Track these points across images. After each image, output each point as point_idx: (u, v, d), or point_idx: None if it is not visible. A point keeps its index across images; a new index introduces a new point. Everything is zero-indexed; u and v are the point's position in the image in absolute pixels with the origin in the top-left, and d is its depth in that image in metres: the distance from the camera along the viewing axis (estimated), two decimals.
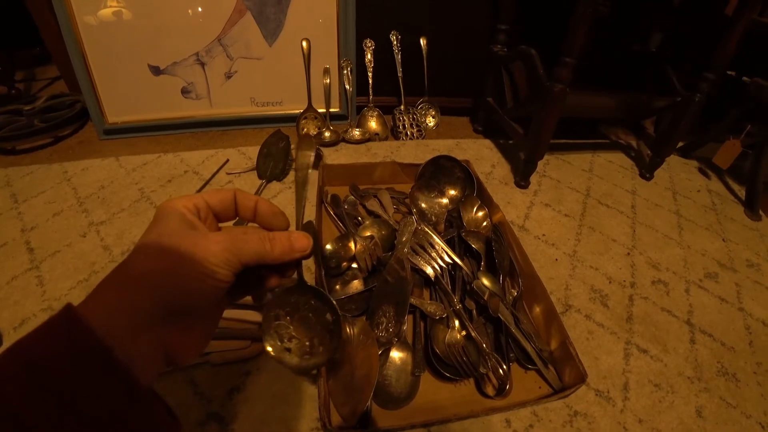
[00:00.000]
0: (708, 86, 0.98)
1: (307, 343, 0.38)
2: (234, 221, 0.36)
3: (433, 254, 0.64)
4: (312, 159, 0.40)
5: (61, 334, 0.23)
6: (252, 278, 0.34)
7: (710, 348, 0.72)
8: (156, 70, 1.03)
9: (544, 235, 0.87)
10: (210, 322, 0.33)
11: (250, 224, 0.36)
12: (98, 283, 0.26)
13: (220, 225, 0.35)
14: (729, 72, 1.16)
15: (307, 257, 0.35)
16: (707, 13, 1.20)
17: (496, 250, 0.63)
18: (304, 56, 1.05)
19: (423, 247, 0.65)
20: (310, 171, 0.39)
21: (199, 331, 0.31)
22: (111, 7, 0.93)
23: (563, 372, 0.59)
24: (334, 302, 0.38)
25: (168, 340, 0.28)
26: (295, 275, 0.37)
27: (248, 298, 0.38)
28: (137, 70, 1.01)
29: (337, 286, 0.67)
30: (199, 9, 0.98)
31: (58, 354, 0.22)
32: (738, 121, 1.13)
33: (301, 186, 0.38)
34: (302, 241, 0.34)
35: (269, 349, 0.37)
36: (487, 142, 1.18)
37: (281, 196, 0.89)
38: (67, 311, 0.23)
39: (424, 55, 1.13)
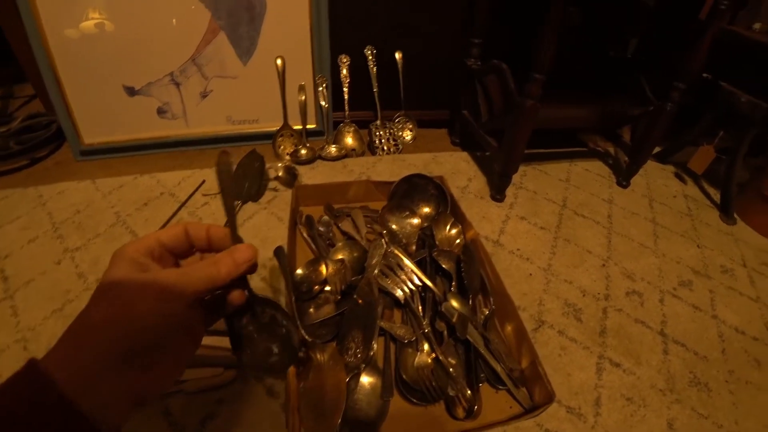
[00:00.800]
0: (679, 95, 0.99)
1: (274, 349, 0.41)
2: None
3: (403, 276, 0.64)
4: (232, 166, 0.39)
5: (24, 388, 0.24)
6: (219, 303, 0.36)
7: (683, 358, 0.72)
8: (131, 91, 1.03)
9: (518, 249, 0.88)
10: (180, 353, 0.33)
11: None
12: (61, 335, 0.27)
13: (182, 261, 0.36)
14: (705, 75, 1.17)
15: (252, 270, 0.36)
16: (681, 20, 1.22)
17: (464, 270, 0.63)
18: (279, 74, 1.05)
19: (393, 269, 0.65)
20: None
21: (168, 364, 0.31)
22: (87, 23, 0.93)
23: (534, 391, 0.59)
24: (285, 310, 0.40)
25: (133, 382, 0.28)
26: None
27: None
28: (112, 90, 1.01)
29: (311, 309, 0.67)
30: (173, 29, 0.98)
31: (22, 407, 0.23)
32: (711, 127, 1.14)
33: (227, 197, 0.38)
34: (245, 253, 0.34)
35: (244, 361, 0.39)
36: (465, 155, 1.18)
37: (257, 217, 0.89)
38: (29, 365, 0.25)
39: (400, 69, 1.13)
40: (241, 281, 0.36)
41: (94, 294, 0.29)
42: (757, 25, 1.44)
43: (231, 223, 0.36)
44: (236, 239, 0.36)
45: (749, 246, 1.02)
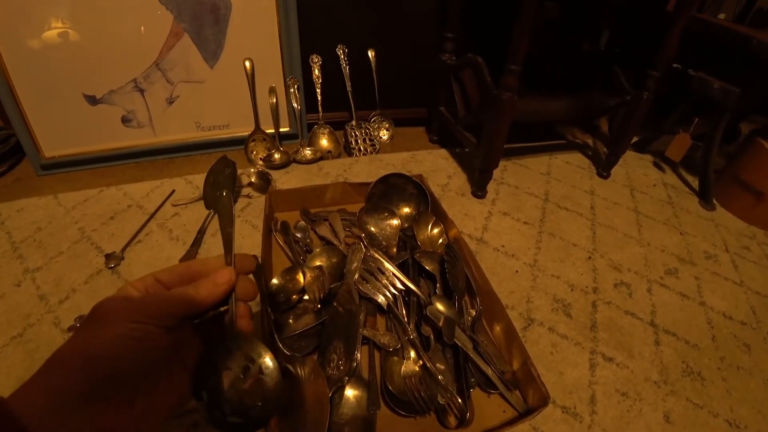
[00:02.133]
0: (655, 83, 0.99)
1: (257, 400, 0.35)
2: None
3: (384, 281, 0.61)
4: (231, 203, 0.43)
5: None
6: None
7: (674, 348, 0.71)
8: (92, 100, 0.97)
9: (503, 246, 0.85)
10: (160, 393, 0.31)
11: None
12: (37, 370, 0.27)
13: None
14: (675, 65, 1.18)
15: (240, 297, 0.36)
16: (650, 11, 1.22)
17: (449, 271, 0.61)
18: (248, 76, 1.01)
19: (373, 273, 0.62)
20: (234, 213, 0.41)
21: (143, 404, 0.29)
22: (44, 32, 0.88)
23: (527, 393, 0.57)
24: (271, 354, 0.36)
25: (103, 418, 0.27)
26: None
27: None
28: (72, 100, 0.95)
29: (290, 320, 0.63)
30: (135, 33, 0.93)
31: None
32: (686, 114, 1.15)
33: (227, 239, 0.38)
34: (223, 275, 0.34)
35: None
36: (443, 152, 1.16)
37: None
38: None
39: (374, 68, 1.10)
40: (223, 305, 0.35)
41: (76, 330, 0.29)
42: (721, 15, 1.47)
43: (227, 249, 0.37)
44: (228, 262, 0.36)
45: (729, 231, 1.02)
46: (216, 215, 0.86)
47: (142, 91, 0.99)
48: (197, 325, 0.35)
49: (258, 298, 0.66)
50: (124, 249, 0.78)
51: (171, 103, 1.02)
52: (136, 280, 0.32)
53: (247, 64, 1.01)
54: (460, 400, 0.51)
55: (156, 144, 1.04)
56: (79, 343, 0.27)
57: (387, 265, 0.63)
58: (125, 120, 1.01)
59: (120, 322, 0.28)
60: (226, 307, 0.36)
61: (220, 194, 0.44)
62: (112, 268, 0.75)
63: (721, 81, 1.02)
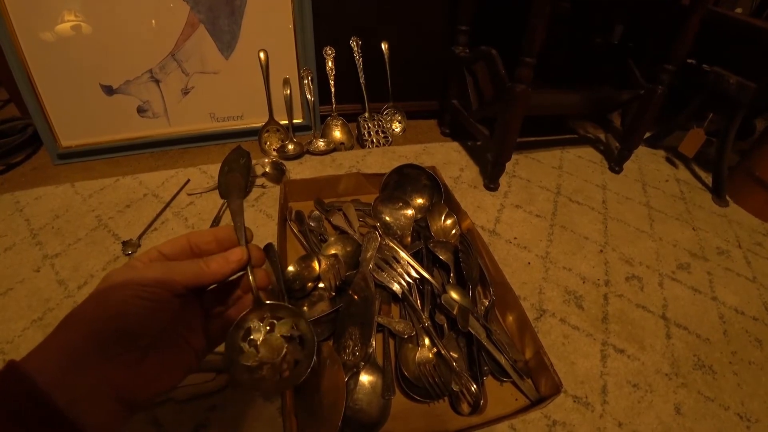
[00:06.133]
0: (669, 78, 0.99)
1: (280, 362, 0.37)
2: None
3: (399, 269, 0.62)
4: (242, 183, 0.44)
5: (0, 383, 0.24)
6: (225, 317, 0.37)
7: (686, 341, 0.71)
8: (109, 90, 0.98)
9: (515, 238, 0.86)
10: (173, 355, 0.32)
11: None
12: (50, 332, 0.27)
13: None
14: (689, 60, 1.17)
15: (253, 266, 0.37)
16: (665, 4, 1.21)
17: (463, 261, 0.61)
18: (262, 68, 1.02)
19: (388, 262, 0.63)
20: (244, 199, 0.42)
21: (154, 364, 0.30)
22: (62, 24, 0.89)
23: (539, 382, 0.58)
24: (295, 309, 0.38)
25: (115, 376, 0.27)
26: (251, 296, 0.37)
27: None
28: (89, 90, 0.96)
29: (305, 308, 0.64)
30: (151, 24, 0.94)
31: None
32: (700, 110, 1.14)
33: (237, 214, 0.39)
34: (236, 253, 0.35)
35: (242, 384, 0.36)
36: (455, 145, 1.16)
37: (245, 214, 0.84)
38: (8, 364, 0.25)
39: (387, 60, 1.11)
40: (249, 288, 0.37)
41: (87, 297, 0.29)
42: (738, 10, 1.45)
43: (240, 236, 0.37)
44: (242, 239, 0.37)
45: (743, 227, 1.01)
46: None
47: (157, 81, 1.00)
48: (202, 293, 0.37)
49: (274, 285, 0.67)
50: (140, 236, 0.79)
51: (186, 93, 1.03)
52: (142, 254, 0.33)
53: (262, 55, 1.01)
54: (474, 387, 0.52)
55: (171, 134, 1.06)
56: (90, 305, 0.28)
57: (402, 253, 0.63)
58: (141, 110, 1.02)
59: (129, 284, 0.29)
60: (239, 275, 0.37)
61: (229, 175, 0.44)
62: (129, 255, 0.76)
63: (737, 76, 1.01)
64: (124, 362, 0.28)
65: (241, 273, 0.37)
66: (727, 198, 1.10)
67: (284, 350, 0.37)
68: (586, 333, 0.69)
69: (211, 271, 0.33)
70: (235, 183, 0.43)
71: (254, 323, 0.37)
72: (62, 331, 0.27)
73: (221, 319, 0.38)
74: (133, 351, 0.29)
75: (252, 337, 0.36)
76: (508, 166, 1.06)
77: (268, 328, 0.37)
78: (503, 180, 1.02)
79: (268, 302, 0.37)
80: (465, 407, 0.54)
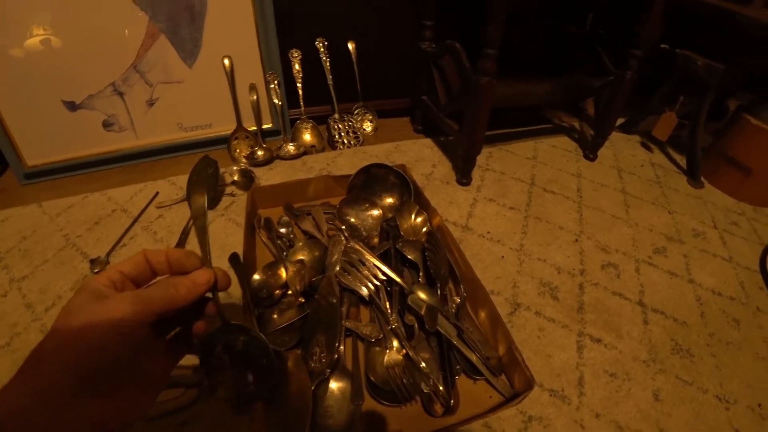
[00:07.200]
0: (637, 63, 0.98)
1: (250, 378, 0.42)
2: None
3: (366, 272, 0.61)
4: (204, 202, 0.44)
5: None
6: (185, 335, 0.38)
7: (663, 326, 0.71)
8: (71, 106, 0.96)
9: (488, 232, 0.85)
10: (146, 379, 0.33)
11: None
12: (15, 372, 0.26)
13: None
14: (662, 45, 1.17)
15: (218, 290, 0.38)
16: None
17: (429, 259, 0.60)
18: (228, 74, 1.00)
19: (355, 265, 0.62)
20: (208, 215, 0.45)
21: (127, 392, 0.30)
22: (13, 39, 0.87)
23: (513, 378, 0.57)
24: (262, 337, 0.42)
25: (90, 410, 0.27)
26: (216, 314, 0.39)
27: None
28: (51, 107, 0.94)
29: (274, 315, 0.63)
30: (109, 36, 0.92)
31: None
32: (672, 93, 1.14)
33: (201, 233, 0.40)
34: (204, 276, 0.36)
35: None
36: (428, 141, 1.15)
37: (215, 224, 0.84)
38: None
39: (354, 60, 1.09)
40: (201, 306, 0.38)
41: (53, 324, 0.29)
42: None
43: (204, 254, 0.38)
44: (205, 262, 0.38)
45: (717, 207, 1.02)
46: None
47: (121, 94, 0.98)
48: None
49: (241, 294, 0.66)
50: (109, 253, 0.78)
51: (151, 105, 1.01)
52: (101, 274, 0.32)
53: (226, 61, 1.00)
54: (441, 388, 0.51)
55: (139, 147, 1.03)
56: (62, 341, 0.27)
57: (368, 256, 0.62)
58: (106, 124, 1.00)
59: (103, 320, 0.28)
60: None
61: (195, 191, 0.46)
62: (97, 272, 0.74)
63: (706, 58, 1.02)
64: (99, 395, 0.28)
65: None
66: (702, 179, 1.10)
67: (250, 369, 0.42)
68: (561, 324, 0.69)
69: (181, 297, 0.34)
70: (200, 200, 0.44)
71: (221, 342, 0.40)
72: (33, 368, 0.26)
73: (181, 336, 0.38)
74: (107, 383, 0.28)
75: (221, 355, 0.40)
76: (482, 159, 1.06)
77: (236, 345, 0.41)
78: (476, 174, 1.01)
79: (233, 323, 0.40)
80: (438, 408, 0.53)
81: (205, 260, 0.38)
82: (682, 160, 1.17)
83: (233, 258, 0.60)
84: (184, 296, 0.34)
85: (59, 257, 0.78)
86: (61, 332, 0.28)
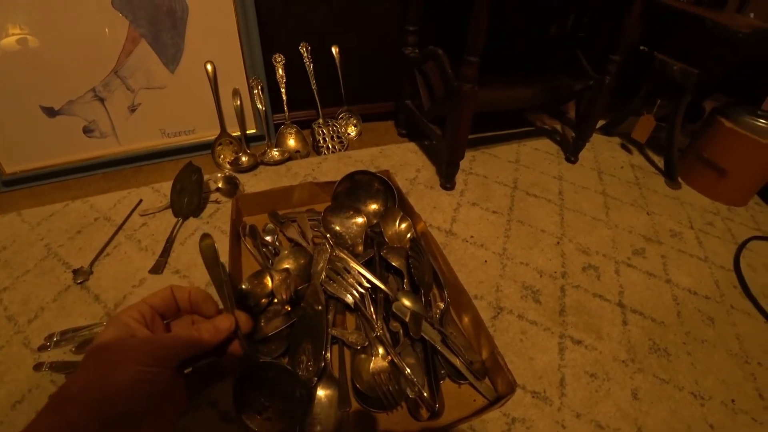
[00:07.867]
0: (616, 68, 1.01)
1: (280, 407, 0.46)
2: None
3: (351, 280, 0.62)
4: (215, 250, 0.45)
5: None
6: (212, 370, 0.40)
7: (642, 326, 0.73)
8: (50, 112, 0.95)
9: (472, 236, 0.86)
10: (162, 419, 0.33)
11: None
12: (43, 406, 0.28)
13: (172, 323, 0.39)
14: (642, 48, 1.20)
15: (241, 332, 0.40)
16: None
17: (413, 266, 0.61)
18: (210, 79, 1.00)
19: (340, 273, 0.62)
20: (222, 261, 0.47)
21: (150, 430, 0.31)
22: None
23: (496, 381, 0.58)
24: (297, 374, 0.49)
25: None
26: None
27: None
28: (29, 113, 0.92)
29: (262, 324, 0.63)
30: (89, 41, 0.91)
31: None
32: (650, 96, 1.17)
33: (219, 285, 0.42)
34: (225, 322, 0.38)
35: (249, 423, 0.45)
36: (412, 146, 1.16)
37: (199, 232, 0.84)
38: None
39: (338, 64, 1.10)
40: (223, 345, 0.39)
41: (82, 360, 0.30)
42: None
43: (224, 297, 0.41)
44: (227, 309, 0.41)
45: (694, 207, 1.05)
46: (184, 222, 0.86)
47: (102, 100, 0.97)
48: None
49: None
50: (92, 263, 0.77)
51: (133, 110, 1.00)
52: (130, 307, 0.34)
53: (209, 67, 0.99)
54: (425, 393, 0.52)
55: (121, 153, 1.02)
56: (89, 382, 0.28)
57: (353, 263, 0.63)
58: (87, 130, 0.99)
59: (130, 365, 0.29)
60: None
61: (201, 238, 0.45)
62: (80, 283, 0.73)
63: (682, 62, 1.04)
64: None
65: None
66: (680, 180, 1.13)
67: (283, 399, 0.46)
68: (543, 327, 0.70)
69: (204, 342, 0.36)
70: (209, 249, 0.44)
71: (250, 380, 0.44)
72: (63, 405, 0.27)
73: (197, 373, 0.40)
74: (129, 425, 0.29)
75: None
76: (465, 163, 1.07)
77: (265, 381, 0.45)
78: (460, 178, 1.03)
79: (261, 360, 0.47)
80: (424, 413, 0.54)
81: (227, 307, 0.41)
82: (660, 162, 1.20)
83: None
84: (207, 341, 0.36)
85: (41, 267, 0.77)
86: (88, 373, 0.29)
